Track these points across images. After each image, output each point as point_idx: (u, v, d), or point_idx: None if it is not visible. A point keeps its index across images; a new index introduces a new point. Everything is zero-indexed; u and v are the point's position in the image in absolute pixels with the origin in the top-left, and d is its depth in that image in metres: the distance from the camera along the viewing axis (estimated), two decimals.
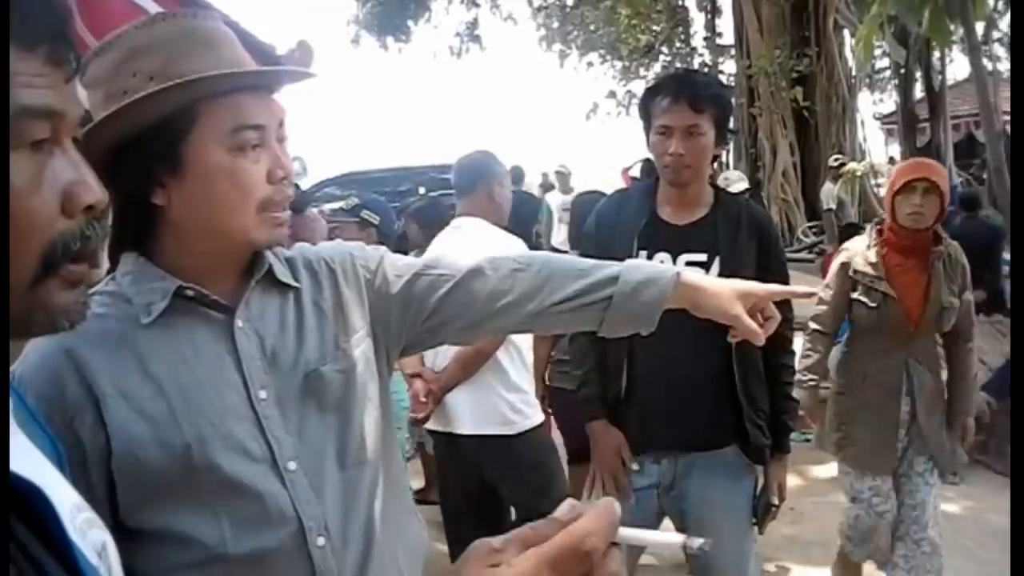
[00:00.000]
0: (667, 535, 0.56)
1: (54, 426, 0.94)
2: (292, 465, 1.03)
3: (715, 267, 2.04)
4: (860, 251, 2.96)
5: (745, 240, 2.09)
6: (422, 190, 11.70)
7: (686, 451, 2.13)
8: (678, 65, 20.82)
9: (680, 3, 19.48)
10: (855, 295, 2.91)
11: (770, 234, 2.19)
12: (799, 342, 6.80)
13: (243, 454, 1.01)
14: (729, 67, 18.72)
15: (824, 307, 3.02)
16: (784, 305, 2.17)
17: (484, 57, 19.69)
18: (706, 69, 19.73)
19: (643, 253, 2.08)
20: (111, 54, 1.02)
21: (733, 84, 17.43)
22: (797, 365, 2.66)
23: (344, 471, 1.07)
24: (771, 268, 2.08)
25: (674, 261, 2.07)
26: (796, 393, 2.43)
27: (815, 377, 3.02)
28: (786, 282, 2.20)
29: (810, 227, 14.23)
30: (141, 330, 1.01)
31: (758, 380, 2.14)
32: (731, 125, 2.15)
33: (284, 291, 1.12)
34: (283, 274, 1.13)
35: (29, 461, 0.53)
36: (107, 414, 0.97)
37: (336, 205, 3.44)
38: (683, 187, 2.11)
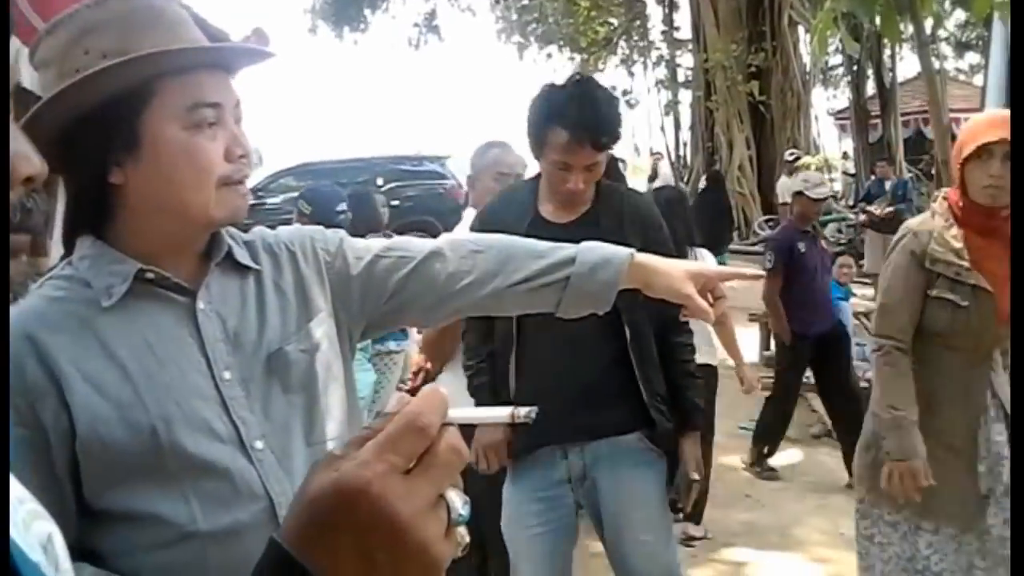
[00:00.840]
0: (495, 410, 0.57)
1: (17, 410, 0.93)
2: (259, 444, 1.03)
3: None
4: (934, 233, 2.20)
5: (629, 231, 2.08)
6: (380, 181, 11.65)
7: (589, 440, 2.12)
8: (636, 58, 21.01)
9: None
10: (934, 292, 2.17)
11: (652, 222, 2.18)
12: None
13: (209, 434, 1.00)
14: (686, 61, 18.93)
15: (891, 313, 2.24)
16: None
17: (443, 48, 19.56)
18: (663, 62, 19.94)
19: None
20: (62, 32, 1.00)
21: (691, 78, 17.63)
22: (873, 395, 2.30)
23: (311, 448, 1.07)
24: (657, 253, 2.11)
25: None
26: (885, 438, 2.19)
27: (903, 412, 2.16)
28: None
29: (766, 220, 14.46)
30: (102, 314, 1.00)
31: (654, 367, 2.14)
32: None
33: (244, 273, 1.12)
34: (243, 256, 1.12)
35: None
36: (70, 396, 0.95)
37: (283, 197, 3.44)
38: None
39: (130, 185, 1.01)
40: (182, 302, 1.05)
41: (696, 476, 2.18)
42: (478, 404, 2.16)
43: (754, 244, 14.18)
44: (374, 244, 1.23)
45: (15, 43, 1.73)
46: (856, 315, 6.53)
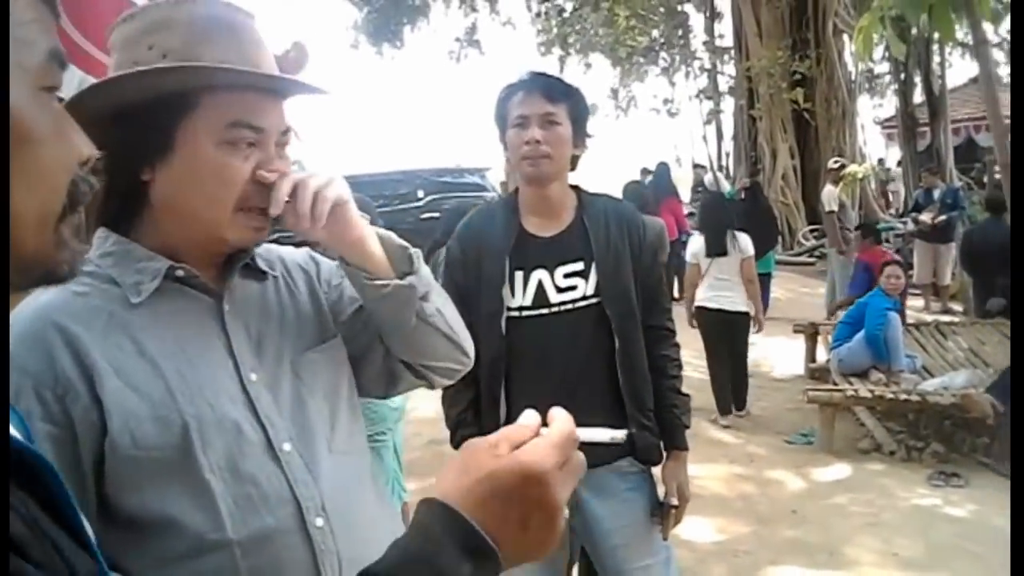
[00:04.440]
0: (599, 432, 0.75)
1: (43, 403, 0.92)
2: (287, 447, 1.02)
3: (592, 272, 2.02)
4: None
5: (616, 238, 2.05)
6: (421, 193, 11.72)
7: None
8: (677, 67, 20.88)
9: (679, 7, 19.51)
10: None
11: (638, 225, 2.12)
12: (792, 343, 6.72)
13: (239, 435, 0.99)
14: (728, 70, 18.74)
15: None
16: (662, 294, 2.17)
17: (484, 61, 19.63)
18: (705, 72, 19.77)
19: (519, 273, 2.03)
20: (136, 22, 1.01)
21: (733, 86, 17.46)
22: None
23: (333, 455, 1.06)
24: (643, 261, 2.09)
25: (551, 275, 2.03)
26: None
27: None
28: (659, 278, 2.19)
29: (811, 230, 14.21)
30: (130, 310, 0.99)
31: (643, 379, 2.08)
32: (589, 131, 2.09)
33: (263, 279, 1.13)
34: (264, 263, 1.13)
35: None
36: (102, 391, 0.93)
37: None
38: (544, 185, 2.03)
39: (156, 185, 1.01)
40: (208, 302, 1.05)
41: (675, 503, 2.10)
42: None
43: (799, 254, 13.96)
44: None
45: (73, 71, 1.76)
46: (907, 327, 6.38)
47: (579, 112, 2.03)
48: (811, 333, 6.97)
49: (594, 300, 2.01)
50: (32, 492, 0.49)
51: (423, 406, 4.59)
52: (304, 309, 1.15)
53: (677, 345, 2.18)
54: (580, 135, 2.04)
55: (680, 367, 2.18)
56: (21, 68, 0.54)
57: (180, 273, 1.02)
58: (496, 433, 0.68)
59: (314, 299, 1.17)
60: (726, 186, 11.51)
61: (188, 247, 1.04)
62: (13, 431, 0.52)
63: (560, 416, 0.70)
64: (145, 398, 0.95)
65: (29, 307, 0.96)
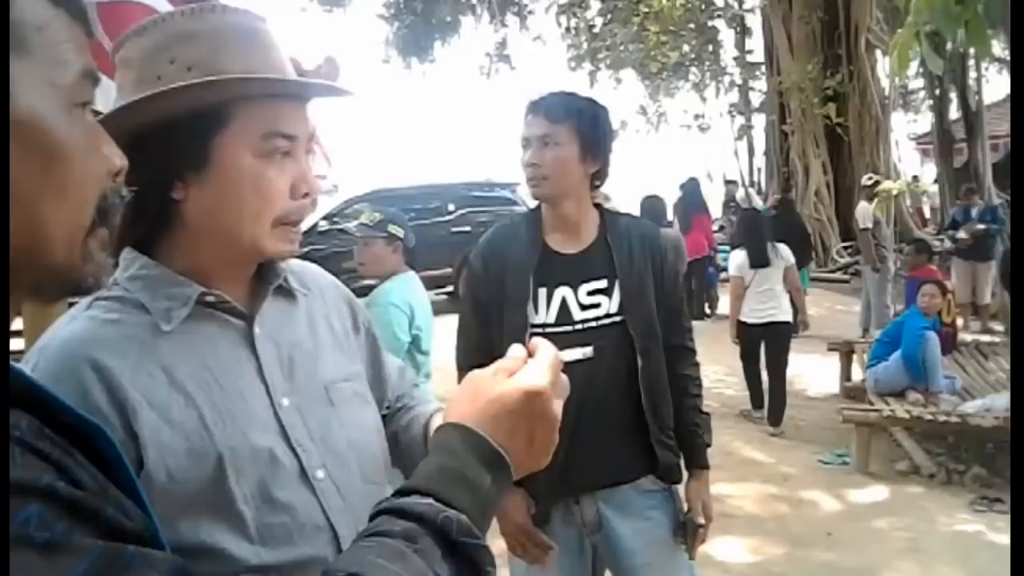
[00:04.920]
0: (570, 351, 0.85)
1: None
2: (320, 474, 0.99)
3: (616, 290, 2.02)
4: None
5: (639, 257, 2.05)
6: (451, 207, 11.75)
7: (600, 487, 2.05)
8: (707, 82, 20.81)
9: (710, 22, 19.45)
10: None
11: (660, 246, 2.13)
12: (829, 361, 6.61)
13: (272, 463, 0.96)
14: (760, 85, 18.64)
15: None
16: (683, 314, 2.16)
17: (514, 77, 19.67)
18: (736, 87, 19.68)
19: (542, 290, 2.02)
20: (152, 35, 0.97)
21: (765, 101, 17.35)
22: None
23: (366, 485, 1.04)
24: (665, 280, 2.09)
25: (575, 293, 2.02)
26: None
27: None
28: (679, 297, 2.19)
29: (844, 247, 14.04)
30: (161, 337, 0.96)
31: (664, 398, 2.06)
32: (603, 146, 2.05)
33: (294, 301, 1.10)
34: (296, 284, 1.11)
35: None
36: (137, 424, 0.91)
37: (360, 220, 3.39)
38: (554, 204, 2.05)
39: (190, 203, 0.97)
40: (239, 326, 1.02)
41: (702, 522, 2.07)
42: None
43: (833, 271, 13.77)
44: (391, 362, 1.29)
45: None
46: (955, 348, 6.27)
47: (589, 129, 2.01)
48: (846, 351, 6.86)
49: (617, 318, 1.99)
50: (97, 460, 0.54)
51: None
52: (341, 339, 1.13)
53: (697, 364, 2.18)
54: (592, 152, 2.02)
55: (700, 386, 2.17)
56: (55, 86, 0.56)
57: (210, 299, 0.99)
58: (492, 366, 0.77)
59: (347, 328, 1.16)
60: (758, 202, 11.40)
61: (218, 267, 1.01)
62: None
63: (543, 344, 0.78)
64: (179, 430, 0.92)
65: (59, 338, 0.94)
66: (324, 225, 10.85)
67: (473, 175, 13.18)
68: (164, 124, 0.94)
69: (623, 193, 14.08)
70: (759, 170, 18.56)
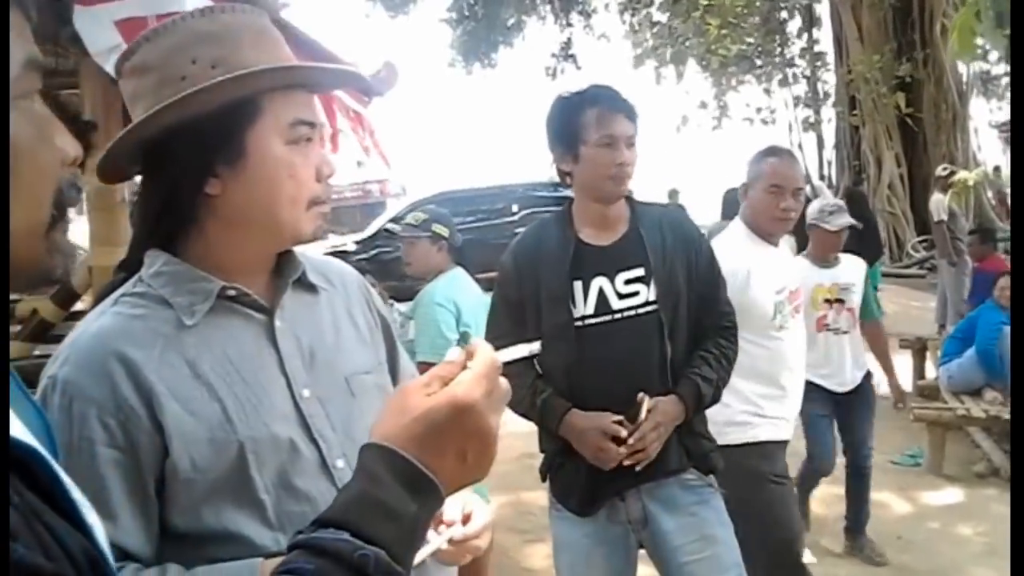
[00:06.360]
0: (519, 348, 0.80)
1: (107, 429, 0.94)
2: (340, 463, 1.03)
3: (653, 278, 2.02)
4: None
5: (671, 246, 2.05)
6: (515, 208, 11.78)
7: (645, 481, 2.03)
8: (773, 75, 20.37)
9: (777, 14, 19.05)
10: None
11: (692, 234, 2.13)
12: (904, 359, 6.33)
13: (293, 453, 1.00)
14: (827, 76, 18.17)
15: None
16: (721, 299, 2.13)
17: (580, 76, 19.62)
18: (804, 78, 19.22)
19: (577, 283, 2.02)
20: (166, 39, 1.01)
21: (833, 92, 16.89)
22: None
23: None
24: (699, 266, 2.08)
25: (612, 282, 2.02)
26: None
27: None
28: (718, 283, 2.14)
29: (920, 241, 13.59)
30: (185, 331, 1.01)
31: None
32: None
33: (315, 293, 1.14)
34: (315, 277, 1.14)
35: (17, 431, 0.54)
36: (162, 415, 0.96)
37: (405, 221, 3.49)
38: (613, 203, 2.07)
39: (225, 197, 1.01)
40: (260, 319, 1.06)
41: (640, 416, 1.93)
42: (555, 414, 2.01)
43: (908, 267, 13.35)
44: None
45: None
46: None
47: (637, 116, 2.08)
48: (919, 348, 6.65)
49: (656, 306, 2.01)
50: (34, 484, 0.51)
51: (515, 419, 4.61)
52: (361, 328, 1.17)
53: (731, 342, 2.13)
54: None
55: (725, 359, 2.10)
56: None
57: (232, 293, 1.03)
58: (427, 373, 0.72)
59: (369, 322, 1.19)
60: (828, 196, 11.08)
61: (245, 259, 1.06)
62: (19, 428, 0.53)
63: (481, 347, 0.73)
64: (202, 421, 0.96)
65: (88, 333, 0.99)
66: (397, 228, 11.01)
67: (537, 175, 13.21)
68: (193, 122, 0.98)
69: (687, 188, 13.94)
70: (829, 163, 18.09)
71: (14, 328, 3.55)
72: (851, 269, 3.76)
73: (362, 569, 0.61)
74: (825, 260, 3.72)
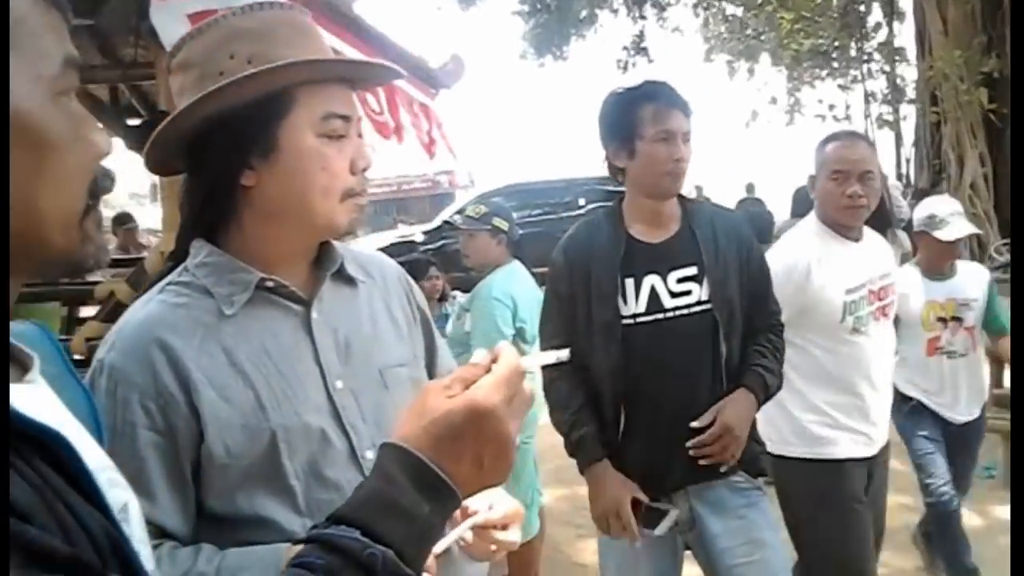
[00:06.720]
0: (547, 355, 0.80)
1: (148, 413, 0.98)
2: (369, 454, 1.05)
3: (705, 278, 1.99)
4: None
5: (724, 245, 2.02)
6: (582, 201, 11.75)
7: (692, 483, 2.01)
8: (852, 72, 19.79)
9: (856, 7, 18.47)
10: None
11: (745, 234, 2.10)
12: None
13: (324, 442, 1.03)
14: (907, 72, 17.57)
15: None
16: (771, 299, 2.12)
17: (652, 69, 19.43)
18: (883, 74, 18.62)
19: (629, 281, 1.99)
20: (209, 36, 1.05)
21: (913, 88, 16.32)
22: None
23: None
24: (751, 267, 2.06)
25: (664, 281, 1.98)
26: None
27: None
28: (768, 282, 2.13)
29: (1004, 244, 13.04)
30: (224, 321, 1.04)
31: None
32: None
33: (353, 285, 1.16)
34: (354, 270, 1.16)
35: (54, 413, 0.56)
36: (199, 402, 0.99)
37: (466, 213, 3.51)
38: (668, 199, 2.06)
39: (260, 188, 1.04)
40: (297, 311, 1.08)
41: (703, 424, 1.94)
42: (586, 457, 2.02)
43: (992, 270, 12.83)
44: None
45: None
46: None
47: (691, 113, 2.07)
48: (996, 358, 6.38)
49: (708, 306, 1.98)
50: (59, 468, 0.53)
51: None
52: (398, 321, 1.18)
53: (778, 339, 2.12)
54: None
55: (777, 351, 2.09)
56: (40, 78, 0.56)
57: (270, 284, 1.06)
58: (450, 375, 0.72)
59: (408, 316, 1.21)
60: (900, 203, 10.46)
61: (284, 250, 1.08)
62: (47, 413, 0.55)
63: (505, 352, 0.73)
64: (236, 408, 1.00)
65: (134, 320, 1.03)
66: (458, 219, 11.11)
67: (605, 169, 13.13)
68: (228, 116, 1.01)
69: (761, 184, 13.65)
70: (908, 162, 17.50)
71: (92, 309, 3.71)
72: (971, 281, 3.20)
73: (370, 568, 0.61)
74: (938, 271, 3.17)
